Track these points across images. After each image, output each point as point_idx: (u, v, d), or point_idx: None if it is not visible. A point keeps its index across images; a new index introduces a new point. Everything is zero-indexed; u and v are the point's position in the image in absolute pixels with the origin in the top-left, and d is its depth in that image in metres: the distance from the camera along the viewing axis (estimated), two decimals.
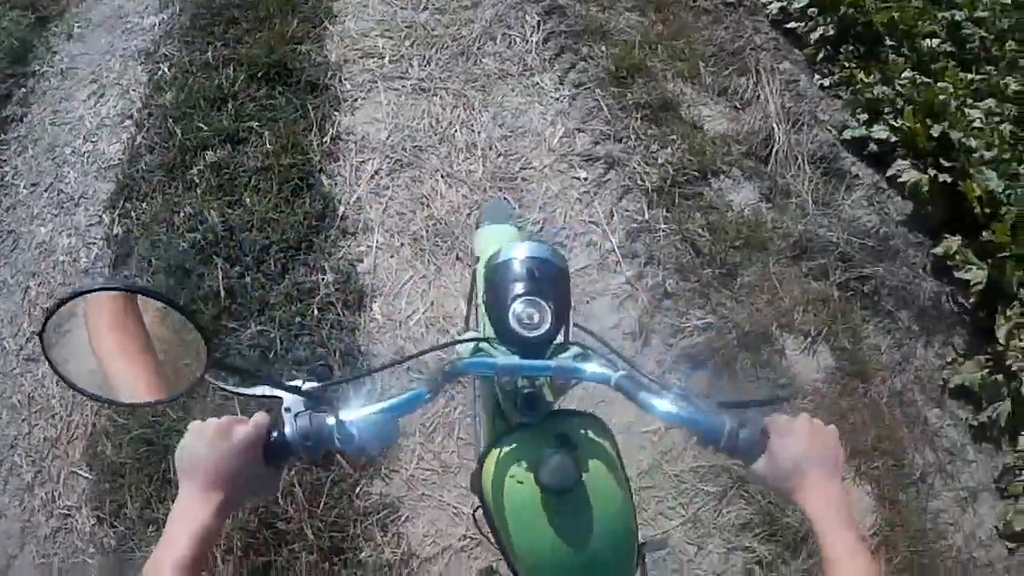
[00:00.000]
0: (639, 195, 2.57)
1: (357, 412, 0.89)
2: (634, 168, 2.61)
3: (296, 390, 0.89)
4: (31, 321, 2.72)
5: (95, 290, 0.78)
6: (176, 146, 2.80)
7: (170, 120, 2.92)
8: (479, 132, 2.65)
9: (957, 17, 3.20)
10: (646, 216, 2.56)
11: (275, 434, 0.87)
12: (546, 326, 0.96)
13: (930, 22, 3.15)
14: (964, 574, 2.36)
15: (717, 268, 2.52)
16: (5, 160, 3.14)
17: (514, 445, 0.99)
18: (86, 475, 2.37)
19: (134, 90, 3.30)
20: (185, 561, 0.78)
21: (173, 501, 0.84)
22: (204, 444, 0.84)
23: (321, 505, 2.18)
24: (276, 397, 0.90)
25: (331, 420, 0.87)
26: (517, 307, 0.96)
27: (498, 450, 1.00)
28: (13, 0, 3.80)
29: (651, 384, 0.96)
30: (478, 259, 1.38)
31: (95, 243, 2.75)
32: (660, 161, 2.62)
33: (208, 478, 0.82)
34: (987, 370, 2.51)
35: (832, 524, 0.85)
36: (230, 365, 0.97)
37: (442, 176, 2.60)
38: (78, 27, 3.74)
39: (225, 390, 0.95)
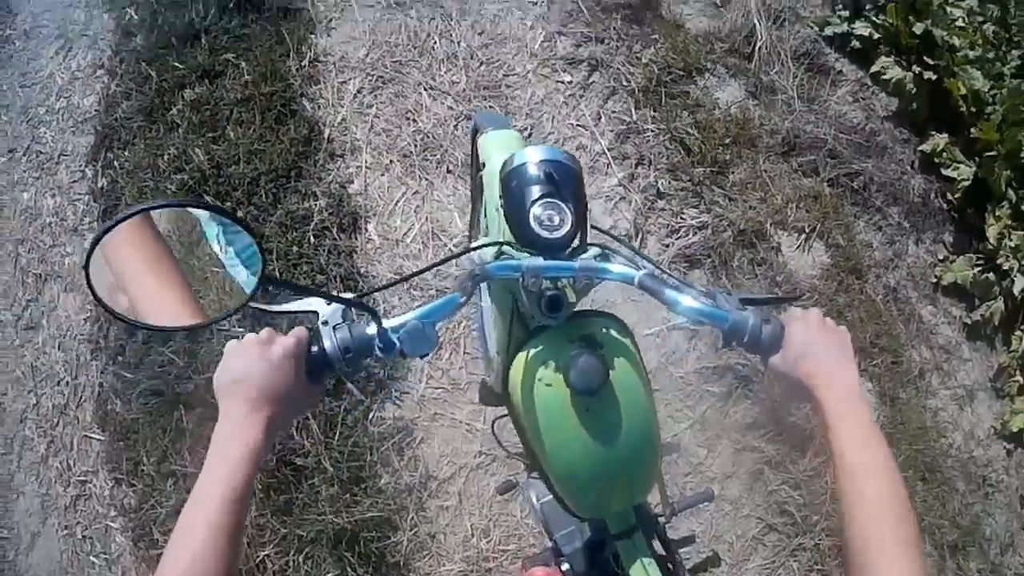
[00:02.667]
0: (625, 96, 2.55)
1: (396, 320, 0.88)
2: (618, 69, 2.58)
3: (338, 299, 0.87)
4: (25, 290, 2.68)
5: (143, 210, 0.72)
6: (152, 89, 2.73)
7: (143, 64, 2.84)
8: (459, 42, 2.60)
9: None
10: (634, 117, 2.53)
11: (315, 348, 0.86)
12: (567, 227, 0.95)
13: None
14: (965, 472, 2.39)
15: (708, 166, 2.51)
16: None
17: (540, 348, 0.98)
18: (99, 437, 2.36)
19: (102, 39, 3.19)
20: (237, 486, 0.75)
21: (213, 425, 0.80)
22: (244, 361, 0.82)
23: (337, 435, 2.19)
24: (312, 311, 0.89)
25: (371, 330, 0.87)
26: (536, 210, 0.95)
27: (524, 354, 0.99)
28: None
29: (674, 282, 0.96)
30: (483, 165, 1.36)
31: (80, 199, 2.70)
32: (644, 61, 2.59)
33: (251, 395, 0.80)
34: (978, 268, 2.56)
35: (841, 416, 0.85)
36: (280, 280, 0.95)
37: (425, 89, 2.55)
38: None
39: (261, 309, 0.93)
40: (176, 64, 2.76)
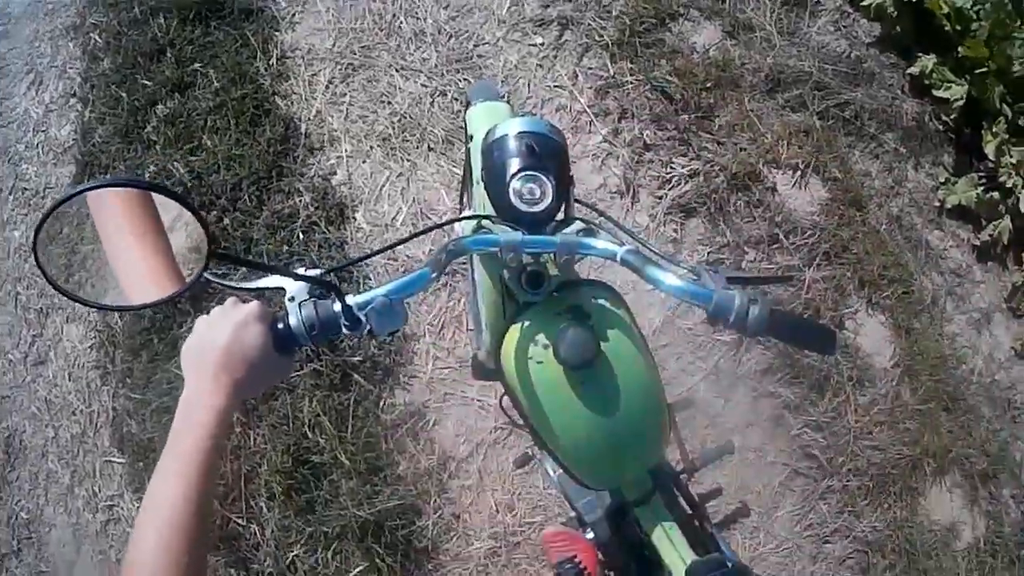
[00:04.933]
0: (600, 51, 2.49)
1: (362, 296, 0.85)
2: (589, 25, 2.52)
3: (299, 276, 0.85)
4: (28, 327, 2.69)
5: (86, 190, 0.72)
6: (125, 110, 2.72)
7: (113, 86, 2.83)
8: (425, 18, 2.55)
9: None
10: (611, 71, 2.47)
11: (281, 324, 0.84)
12: (547, 201, 0.93)
13: None
14: (989, 397, 2.34)
15: (693, 112, 2.45)
16: None
17: (527, 323, 0.96)
18: (120, 460, 2.38)
19: (71, 67, 3.18)
20: (205, 447, 0.73)
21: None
22: (208, 329, 0.81)
23: (349, 428, 2.18)
24: (278, 288, 0.87)
25: (336, 307, 0.84)
26: (516, 183, 0.93)
27: (513, 331, 0.97)
28: None
29: (658, 258, 0.93)
30: (471, 137, 1.34)
31: None
32: (614, 13, 2.52)
33: (216, 359, 0.78)
34: (981, 188, 2.50)
35: None
36: (233, 256, 0.94)
37: (397, 70, 2.51)
38: (0, 25, 3.61)
39: (225, 286, 0.91)
40: (145, 82, 2.74)
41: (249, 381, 0.80)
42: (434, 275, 0.87)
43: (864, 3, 2.75)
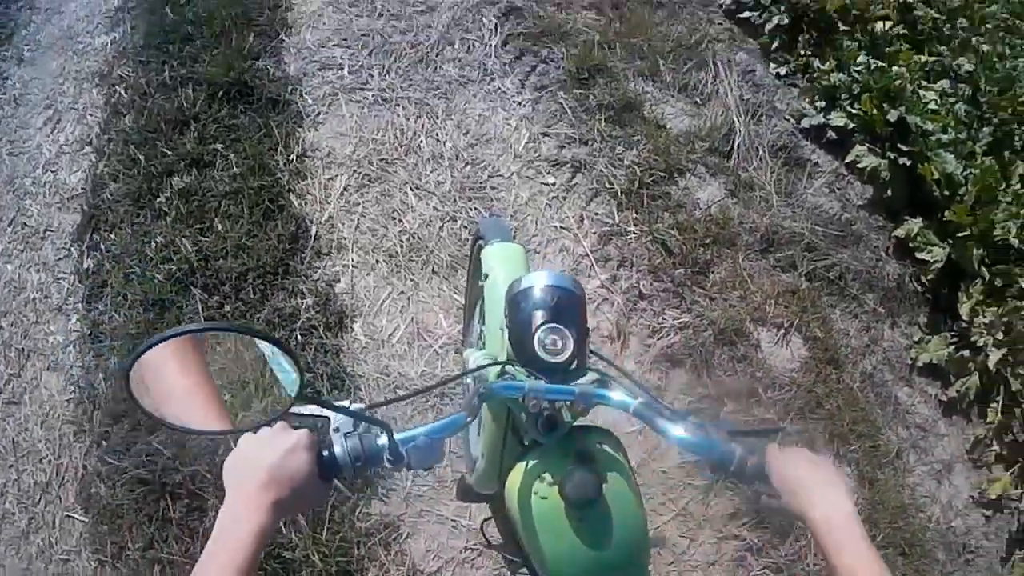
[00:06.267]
0: (608, 198, 2.60)
1: (406, 433, 0.93)
2: (601, 171, 2.63)
3: (347, 411, 0.92)
4: (7, 364, 2.66)
5: (187, 332, 0.80)
6: (140, 173, 2.75)
7: (132, 146, 2.86)
8: (444, 141, 2.65)
9: None
10: (616, 219, 2.58)
11: (326, 453, 0.90)
12: (568, 352, 1.01)
13: (882, 6, 3.20)
14: (944, 543, 2.45)
15: (689, 267, 2.56)
16: None
17: (536, 462, 1.03)
18: (82, 519, 2.33)
19: (91, 115, 3.21)
20: (242, 563, 0.75)
21: (215, 514, 0.81)
22: (257, 448, 0.85)
23: (324, 531, 2.19)
24: (325, 417, 0.94)
25: (382, 441, 0.91)
26: (541, 334, 1.01)
27: (521, 467, 1.04)
28: None
29: (667, 411, 1.01)
30: (486, 276, 1.42)
31: (65, 278, 2.70)
32: (626, 162, 2.64)
33: (262, 479, 0.81)
34: (953, 346, 2.60)
35: (846, 534, 0.87)
36: (318, 400, 1.02)
37: (411, 189, 2.59)
38: (28, 50, 3.63)
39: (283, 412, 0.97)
40: (165, 150, 2.78)
41: (290, 503, 0.83)
42: (469, 419, 0.96)
43: (860, 166, 2.89)
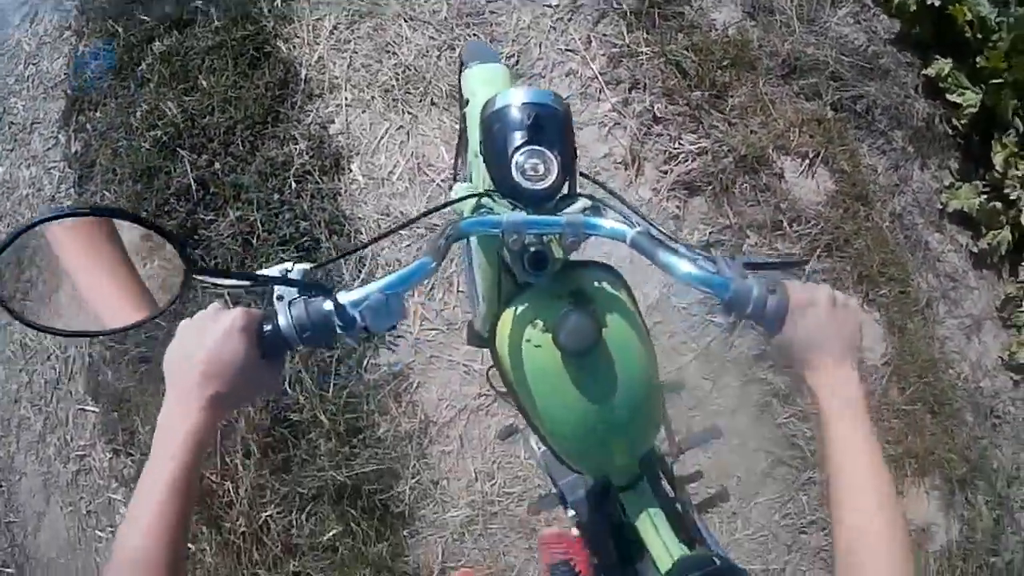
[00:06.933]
0: (616, 18, 2.41)
1: (357, 293, 0.78)
2: None
3: (283, 278, 0.79)
4: None
5: (38, 223, 0.68)
6: (120, 45, 2.59)
7: (109, 20, 2.68)
8: None
9: None
10: (626, 40, 2.40)
11: (268, 326, 0.77)
12: (552, 177, 0.87)
13: None
14: (973, 404, 2.35)
15: (706, 90, 2.39)
16: None
17: (526, 306, 0.91)
18: (93, 409, 2.32)
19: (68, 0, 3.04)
20: (178, 473, 0.68)
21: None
22: (191, 336, 0.75)
23: (331, 387, 2.12)
24: (266, 286, 0.80)
25: (328, 305, 0.77)
26: (519, 158, 0.87)
27: (511, 312, 0.92)
28: None
29: (671, 242, 0.88)
30: (467, 101, 1.26)
31: (56, 166, 2.59)
32: None
33: (197, 370, 0.72)
34: (984, 196, 2.49)
35: (836, 419, 0.79)
36: (210, 270, 0.86)
37: (405, 20, 2.41)
38: None
39: (213, 283, 0.84)
40: (143, 17, 2.60)
41: (232, 396, 0.74)
42: (435, 264, 0.81)
43: None
